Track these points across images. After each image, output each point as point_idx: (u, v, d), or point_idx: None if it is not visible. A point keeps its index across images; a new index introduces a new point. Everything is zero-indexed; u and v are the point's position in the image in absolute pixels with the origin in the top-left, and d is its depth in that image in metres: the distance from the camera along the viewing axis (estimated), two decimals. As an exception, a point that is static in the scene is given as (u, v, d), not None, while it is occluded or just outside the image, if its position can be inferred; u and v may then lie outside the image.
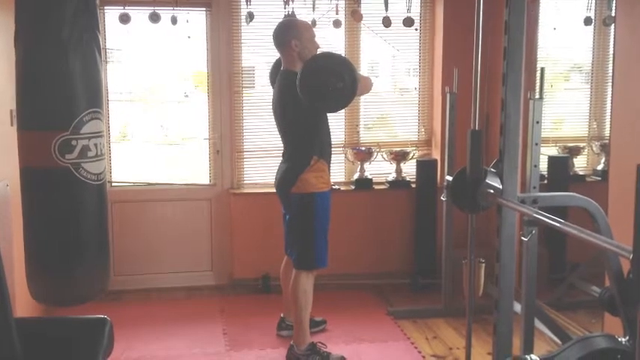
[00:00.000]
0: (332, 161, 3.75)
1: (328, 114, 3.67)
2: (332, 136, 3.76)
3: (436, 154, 5.06)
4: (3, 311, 2.04)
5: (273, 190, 3.84)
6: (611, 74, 3.54)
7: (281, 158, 3.80)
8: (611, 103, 3.51)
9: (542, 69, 3.05)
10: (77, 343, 2.52)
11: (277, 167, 3.80)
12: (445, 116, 4.38)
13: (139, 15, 4.59)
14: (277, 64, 3.82)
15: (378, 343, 3.94)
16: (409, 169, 5.04)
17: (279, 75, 3.68)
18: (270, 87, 3.97)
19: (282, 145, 3.79)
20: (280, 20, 3.76)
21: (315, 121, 3.59)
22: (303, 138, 3.62)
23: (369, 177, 5.00)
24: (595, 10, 4.55)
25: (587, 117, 4.81)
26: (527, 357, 2.16)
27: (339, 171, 5.04)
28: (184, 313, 4.43)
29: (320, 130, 3.62)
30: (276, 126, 3.77)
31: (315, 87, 3.38)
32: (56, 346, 2.48)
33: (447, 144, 4.31)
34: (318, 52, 3.66)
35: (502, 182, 2.58)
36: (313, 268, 3.63)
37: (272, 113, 3.79)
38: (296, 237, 3.67)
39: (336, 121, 5.03)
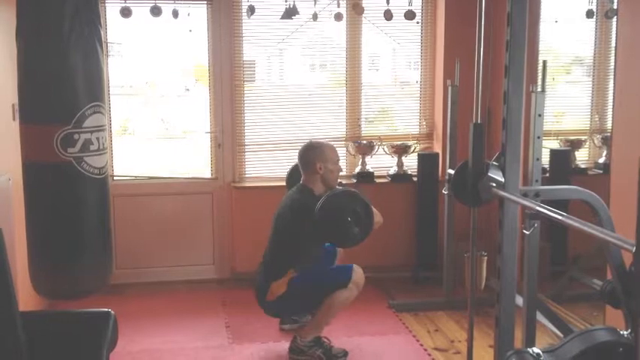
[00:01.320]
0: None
1: None
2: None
3: (438, 148, 5.06)
4: (8, 305, 2.05)
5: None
6: (613, 67, 3.54)
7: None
8: (613, 96, 3.50)
9: (545, 62, 3.04)
10: (81, 336, 2.53)
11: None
12: (447, 109, 4.38)
13: (140, 8, 4.58)
14: (296, 170, 3.84)
15: (380, 336, 3.95)
16: (411, 162, 5.04)
17: (297, 187, 3.71)
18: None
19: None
20: (306, 142, 3.83)
21: (310, 245, 3.63)
22: (289, 252, 3.63)
23: (371, 170, 5.00)
24: (597, 3, 4.53)
25: (588, 110, 4.80)
26: (529, 350, 2.16)
27: (341, 164, 5.02)
28: (186, 306, 4.44)
29: (309, 253, 3.66)
30: (271, 229, 3.74)
31: (332, 224, 3.42)
32: (61, 339, 2.49)
33: (449, 137, 4.31)
34: (339, 184, 3.76)
35: (504, 175, 2.58)
36: (346, 285, 3.57)
37: (272, 216, 3.77)
38: (313, 305, 3.63)
39: (338, 115, 5.05)
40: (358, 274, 3.59)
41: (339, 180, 3.81)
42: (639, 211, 1.68)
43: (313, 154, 3.67)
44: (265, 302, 3.62)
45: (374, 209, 3.54)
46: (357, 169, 5.00)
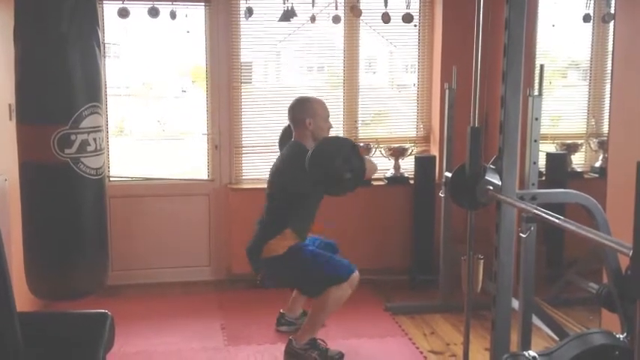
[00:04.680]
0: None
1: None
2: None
3: (435, 151, 5.07)
4: (6, 304, 2.04)
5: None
6: (609, 71, 3.55)
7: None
8: (610, 100, 3.52)
9: (542, 66, 3.06)
10: (78, 337, 2.52)
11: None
12: (444, 112, 4.38)
13: (138, 9, 4.57)
14: (287, 130, 3.84)
15: (376, 338, 3.95)
16: (408, 165, 5.05)
17: (290, 144, 3.71)
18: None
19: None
20: (296, 97, 3.80)
21: (306, 197, 3.62)
22: (286, 208, 3.62)
23: (368, 173, 5.00)
24: (594, 7, 4.55)
25: (585, 114, 4.82)
26: (525, 353, 2.16)
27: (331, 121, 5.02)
28: (182, 308, 4.43)
29: (306, 207, 3.65)
30: (267, 188, 3.75)
31: (324, 172, 3.39)
32: (57, 340, 2.48)
33: (446, 140, 4.32)
34: (331, 135, 3.74)
35: (501, 179, 2.59)
36: (342, 281, 3.54)
37: (268, 173, 3.78)
38: (304, 282, 3.62)
39: (335, 117, 5.03)
40: (355, 275, 3.59)
41: None
42: (637, 215, 1.69)
43: (302, 110, 3.65)
44: (258, 259, 3.60)
45: (368, 157, 3.52)
46: (354, 172, 5.00)
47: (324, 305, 3.53)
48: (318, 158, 3.37)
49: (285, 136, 3.88)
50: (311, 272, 3.55)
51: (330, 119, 3.80)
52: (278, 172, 3.69)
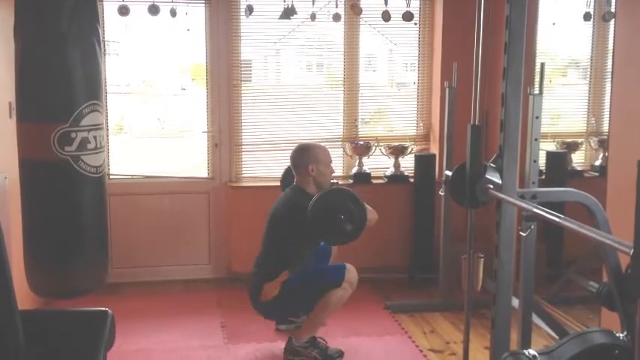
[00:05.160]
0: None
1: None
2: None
3: (434, 149, 5.07)
4: (7, 301, 2.04)
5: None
6: (609, 70, 3.55)
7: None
8: (610, 98, 3.51)
9: (542, 64, 3.06)
10: (79, 335, 2.52)
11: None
12: (444, 111, 4.38)
13: (138, 7, 4.57)
14: (290, 171, 3.83)
15: (376, 337, 3.96)
16: (407, 163, 5.04)
17: (290, 188, 3.72)
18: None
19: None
20: (299, 144, 3.84)
21: (304, 245, 3.63)
22: (282, 253, 3.62)
23: (368, 171, 5.00)
24: (594, 6, 4.55)
25: (585, 112, 4.82)
26: (525, 352, 2.17)
27: (337, 165, 5.03)
28: (182, 306, 4.43)
29: (304, 251, 3.65)
30: (265, 230, 3.73)
31: (326, 222, 3.41)
32: (58, 338, 2.48)
33: (446, 139, 4.31)
34: (333, 184, 3.78)
35: (501, 177, 2.59)
36: (340, 283, 3.56)
37: (267, 216, 3.76)
38: (306, 305, 3.61)
39: (335, 115, 5.05)
40: (352, 272, 3.59)
41: (333, 180, 3.81)
42: (637, 213, 1.69)
43: (305, 157, 3.67)
44: (258, 303, 3.61)
45: (368, 206, 3.54)
46: (354, 170, 5.00)
47: (326, 305, 3.53)
48: (319, 212, 3.40)
49: (288, 177, 3.89)
50: (309, 294, 3.56)
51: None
52: (277, 216, 3.68)
